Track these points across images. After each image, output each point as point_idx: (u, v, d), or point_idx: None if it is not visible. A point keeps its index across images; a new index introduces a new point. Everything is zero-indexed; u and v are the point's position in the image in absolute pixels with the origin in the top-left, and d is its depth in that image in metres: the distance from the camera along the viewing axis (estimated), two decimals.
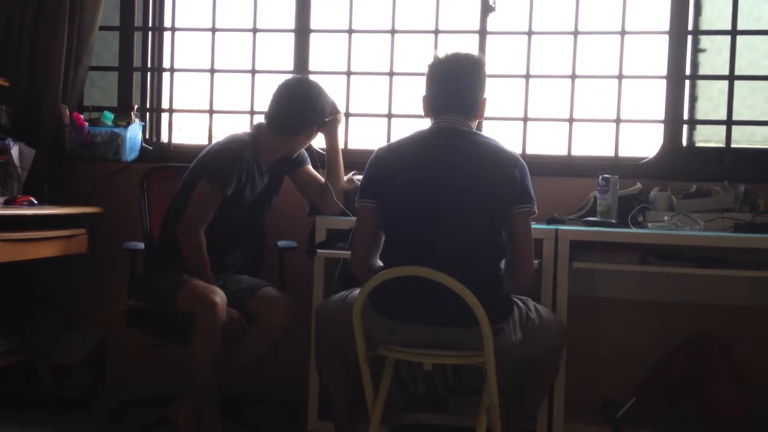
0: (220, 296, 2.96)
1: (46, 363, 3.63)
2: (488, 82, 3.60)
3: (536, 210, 2.63)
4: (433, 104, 2.69)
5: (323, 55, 3.90)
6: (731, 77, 3.57)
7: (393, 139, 3.36)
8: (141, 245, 3.32)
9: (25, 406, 3.58)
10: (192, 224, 3.08)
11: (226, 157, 3.11)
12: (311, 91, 3.22)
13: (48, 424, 3.39)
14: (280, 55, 3.92)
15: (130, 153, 3.81)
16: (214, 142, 3.33)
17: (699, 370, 3.06)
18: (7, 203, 3.35)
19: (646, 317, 3.45)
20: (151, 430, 3.13)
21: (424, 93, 2.73)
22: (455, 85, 2.67)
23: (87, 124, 3.80)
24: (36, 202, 3.44)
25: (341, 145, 3.41)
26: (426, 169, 2.59)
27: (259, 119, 3.38)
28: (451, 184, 2.55)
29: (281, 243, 3.45)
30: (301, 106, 3.20)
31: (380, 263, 2.72)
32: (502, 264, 2.66)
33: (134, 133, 3.83)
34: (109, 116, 3.85)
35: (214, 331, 2.92)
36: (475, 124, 2.72)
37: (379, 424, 2.59)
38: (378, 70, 3.86)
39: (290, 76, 3.58)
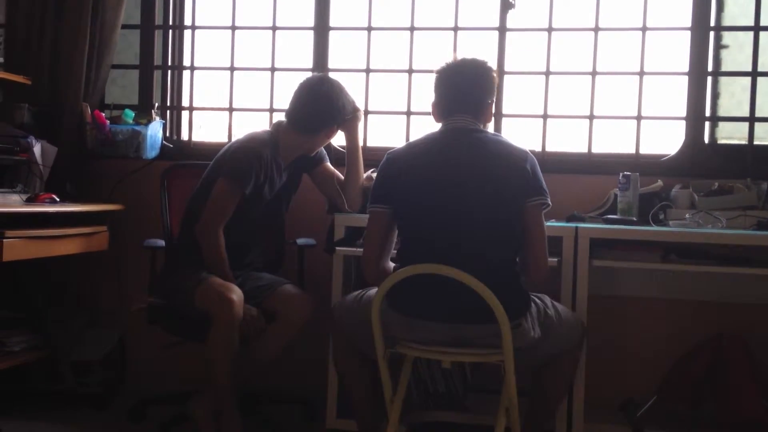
0: (237, 294, 2.97)
1: (68, 360, 3.66)
2: (508, 79, 3.67)
3: (549, 202, 2.63)
4: (442, 107, 2.72)
5: (342, 52, 3.90)
6: (754, 73, 3.53)
7: (412, 137, 3.36)
8: (161, 243, 3.33)
9: (46, 402, 3.61)
10: (211, 223, 3.09)
11: (245, 156, 3.12)
12: (332, 89, 3.22)
13: (69, 420, 3.42)
14: (299, 53, 3.92)
15: (151, 151, 3.83)
16: (233, 140, 3.33)
17: (720, 369, 3.02)
18: (29, 201, 3.37)
19: (668, 316, 3.42)
20: (171, 427, 3.14)
21: (433, 99, 2.75)
22: (463, 88, 2.69)
23: (108, 122, 3.82)
24: (58, 199, 3.46)
25: (360, 143, 3.41)
26: (438, 168, 2.61)
27: (279, 117, 3.38)
28: (464, 181, 2.56)
29: (300, 240, 3.45)
30: (322, 105, 3.20)
31: (393, 265, 2.73)
32: (518, 260, 2.66)
33: (155, 131, 3.85)
34: (130, 114, 3.87)
35: (231, 329, 2.94)
36: (483, 127, 2.72)
37: (398, 422, 2.58)
38: (397, 68, 3.85)
39: (310, 73, 3.58)
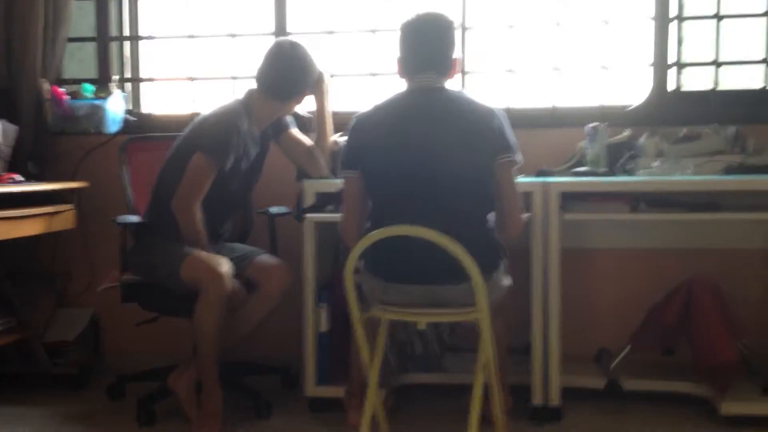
0: (226, 267, 2.95)
1: (41, 341, 3.63)
2: (470, 34, 3.63)
3: (518, 159, 2.63)
4: (408, 64, 2.70)
5: (303, 14, 3.82)
6: (718, 17, 3.53)
7: (378, 99, 3.32)
8: (134, 218, 3.24)
9: (22, 385, 3.58)
10: (187, 199, 3.03)
11: (223, 131, 3.05)
12: (305, 53, 3.18)
13: (46, 402, 3.39)
14: (259, 18, 3.84)
15: (113, 125, 3.76)
16: (205, 113, 3.20)
17: (691, 314, 3.05)
18: None
19: (639, 265, 3.44)
20: (150, 403, 3.13)
21: (398, 55, 2.72)
22: (428, 43, 2.67)
23: (68, 97, 3.74)
24: (22, 179, 3.40)
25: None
26: (405, 130, 2.60)
27: (241, 85, 3.32)
28: (431, 142, 2.56)
29: (273, 209, 3.41)
30: (299, 70, 3.15)
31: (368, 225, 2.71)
32: (491, 217, 2.66)
33: (115, 104, 3.78)
34: (88, 88, 3.80)
35: (221, 302, 2.92)
36: (448, 83, 2.71)
37: (377, 385, 2.59)
38: (360, 28, 3.79)
39: (272, 38, 3.52)
